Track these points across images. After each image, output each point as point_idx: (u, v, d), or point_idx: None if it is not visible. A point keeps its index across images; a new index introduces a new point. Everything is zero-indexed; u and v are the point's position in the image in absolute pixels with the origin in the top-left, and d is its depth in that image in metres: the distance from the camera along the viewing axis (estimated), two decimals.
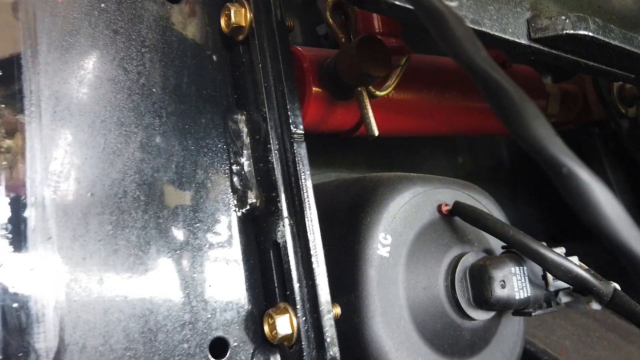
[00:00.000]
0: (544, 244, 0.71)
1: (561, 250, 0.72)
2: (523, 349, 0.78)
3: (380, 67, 0.57)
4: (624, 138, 0.97)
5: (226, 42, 0.64)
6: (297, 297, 0.55)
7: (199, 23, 0.63)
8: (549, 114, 0.90)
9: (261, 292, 0.60)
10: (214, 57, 0.64)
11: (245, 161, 0.61)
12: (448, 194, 0.75)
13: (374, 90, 0.60)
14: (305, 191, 0.56)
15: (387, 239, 0.67)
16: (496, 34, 0.50)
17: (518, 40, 0.51)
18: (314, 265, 0.55)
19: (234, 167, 0.61)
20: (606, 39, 0.53)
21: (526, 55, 0.53)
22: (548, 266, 0.65)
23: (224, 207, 0.60)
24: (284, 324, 0.55)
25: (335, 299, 0.68)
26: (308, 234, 0.55)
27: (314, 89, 0.62)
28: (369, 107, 0.58)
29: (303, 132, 0.57)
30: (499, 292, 0.65)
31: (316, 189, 0.85)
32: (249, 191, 0.61)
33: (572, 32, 0.50)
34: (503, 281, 0.66)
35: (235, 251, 0.59)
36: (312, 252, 0.55)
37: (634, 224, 0.32)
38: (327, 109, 0.63)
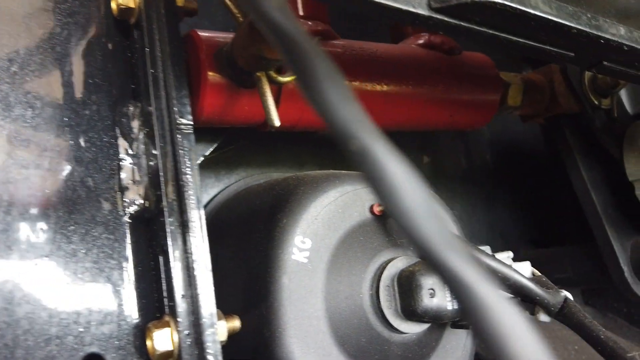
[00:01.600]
0: (487, 248, 0.63)
1: (506, 255, 0.65)
2: None
3: None
4: (598, 132, 0.89)
5: (121, 28, 0.59)
6: (179, 309, 0.49)
7: (89, 6, 0.57)
8: (509, 105, 0.82)
9: (151, 303, 0.54)
10: (109, 45, 0.58)
11: (135, 157, 0.55)
12: None
13: (275, 75, 0.53)
14: (188, 189, 0.49)
15: (305, 243, 0.60)
16: (390, 3, 0.43)
17: (416, 11, 0.44)
18: (196, 273, 0.48)
19: (123, 164, 0.55)
20: (522, 7, 0.45)
21: (431, 27, 0.46)
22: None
23: (109, 208, 0.54)
24: (163, 339, 0.49)
25: (246, 311, 0.62)
26: (190, 237, 0.49)
27: (209, 74, 0.56)
28: (268, 94, 0.51)
29: (191, 122, 0.51)
30: (426, 301, 0.58)
31: (245, 191, 0.79)
32: (139, 190, 0.55)
33: None
34: (432, 289, 0.58)
35: (120, 257, 0.53)
36: (193, 257, 0.49)
37: (436, 212, 0.25)
38: (230, 98, 0.56)
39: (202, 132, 0.68)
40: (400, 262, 0.62)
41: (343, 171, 0.68)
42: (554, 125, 0.91)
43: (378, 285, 0.60)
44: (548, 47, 0.52)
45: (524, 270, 0.67)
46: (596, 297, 1.16)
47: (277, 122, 0.52)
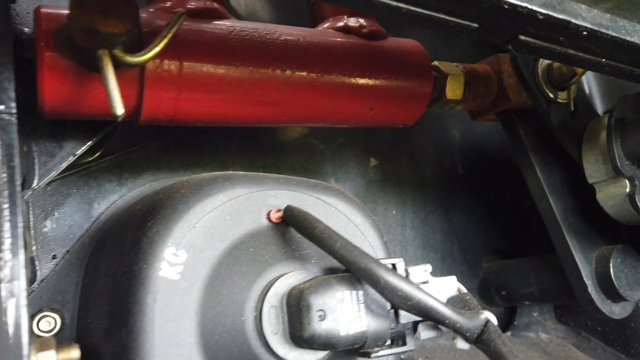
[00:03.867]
0: (400, 260, 0.54)
1: (423, 268, 0.55)
2: None
3: (112, 20, 0.42)
4: (555, 129, 0.79)
5: None
6: None
7: None
8: (449, 99, 0.73)
9: None
10: None
11: None
12: (289, 197, 0.59)
13: (122, 54, 0.44)
14: None
15: (178, 256, 0.51)
16: None
17: None
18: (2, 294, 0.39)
19: None
20: None
21: None
22: (382, 290, 0.48)
23: None
24: None
25: (108, 337, 0.53)
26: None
27: (47, 55, 0.47)
28: (111, 77, 0.43)
29: (12, 110, 0.42)
30: (315, 325, 0.48)
31: (139, 196, 0.70)
32: None
33: None
34: (322, 311, 0.49)
35: None
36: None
37: None
38: (80, 84, 0.48)
39: (72, 127, 0.60)
40: (292, 278, 0.53)
41: (240, 172, 0.59)
42: (507, 122, 0.82)
43: (262, 306, 0.51)
44: (444, 17, 0.42)
45: (447, 287, 0.57)
46: (568, 314, 1.05)
47: (119, 111, 0.43)
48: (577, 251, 0.80)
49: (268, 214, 0.57)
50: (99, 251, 0.64)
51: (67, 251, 0.66)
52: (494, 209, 1.06)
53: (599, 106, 0.92)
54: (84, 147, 0.60)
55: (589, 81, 1.00)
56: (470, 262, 1.00)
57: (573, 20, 0.44)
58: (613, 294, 0.79)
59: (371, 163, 0.94)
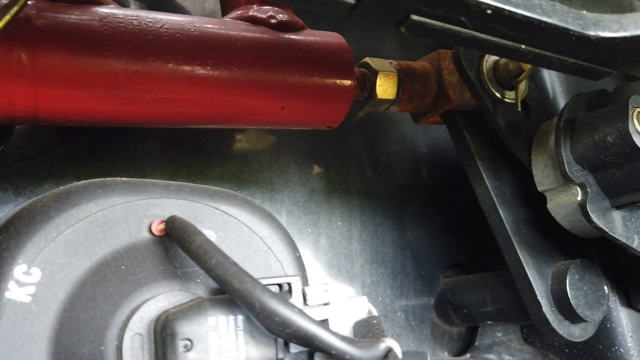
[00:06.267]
0: (296, 279, 0.46)
1: (322, 289, 0.48)
2: None
3: None
4: (502, 132, 0.71)
5: None
6: None
7: None
8: (380, 99, 0.66)
9: None
10: None
11: None
12: (179, 207, 0.51)
13: None
14: None
15: (31, 275, 0.44)
16: None
17: None
18: None
19: None
20: None
21: None
22: (257, 315, 0.41)
23: None
24: None
25: None
26: None
27: None
28: None
29: None
30: (179, 357, 0.41)
31: None
32: None
33: None
34: (189, 340, 0.41)
35: None
36: None
37: None
38: None
39: None
40: (165, 301, 0.46)
41: (123, 179, 0.52)
42: (451, 125, 0.75)
43: (123, 334, 0.44)
44: None
45: (355, 309, 0.50)
46: (535, 335, 0.97)
47: None
48: (529, 267, 0.72)
49: (150, 226, 0.50)
50: None
51: None
52: (455, 220, 0.98)
53: (546, 102, 0.86)
54: None
55: (553, 81, 0.93)
56: (425, 277, 0.92)
57: None
58: (571, 314, 0.71)
59: (315, 170, 0.87)
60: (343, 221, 0.88)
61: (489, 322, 0.93)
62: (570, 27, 0.43)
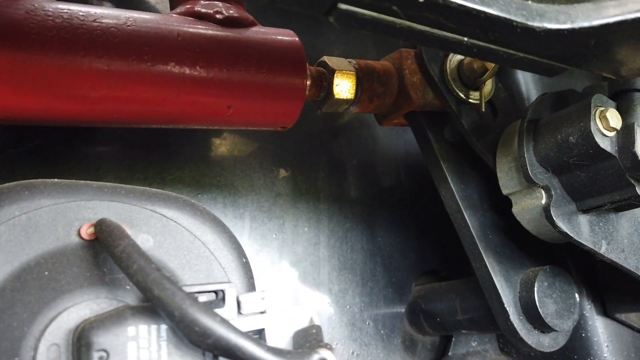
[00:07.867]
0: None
1: (259, 296, 0.45)
2: None
3: None
4: (467, 133, 0.69)
5: None
6: None
7: None
8: (337, 99, 0.63)
9: None
10: None
11: None
12: (112, 210, 0.49)
13: None
14: None
15: None
16: None
17: None
18: None
19: None
20: None
21: None
22: (177, 324, 0.38)
23: None
24: None
25: None
26: None
27: None
28: None
29: None
30: None
31: None
32: None
33: None
34: (104, 351, 0.39)
35: None
36: None
37: None
38: None
39: None
40: (86, 309, 0.43)
41: (53, 180, 0.49)
42: (415, 126, 0.72)
43: (37, 345, 0.41)
44: None
45: (297, 318, 0.47)
46: (512, 344, 0.94)
47: None
48: (496, 273, 0.69)
49: (79, 230, 0.47)
50: None
51: None
52: (429, 225, 0.96)
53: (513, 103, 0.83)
54: None
55: (527, 82, 0.90)
56: (397, 285, 0.89)
57: None
58: (539, 323, 0.69)
59: (281, 174, 0.85)
60: (310, 227, 0.85)
61: (463, 332, 0.90)
62: (513, 17, 0.40)
